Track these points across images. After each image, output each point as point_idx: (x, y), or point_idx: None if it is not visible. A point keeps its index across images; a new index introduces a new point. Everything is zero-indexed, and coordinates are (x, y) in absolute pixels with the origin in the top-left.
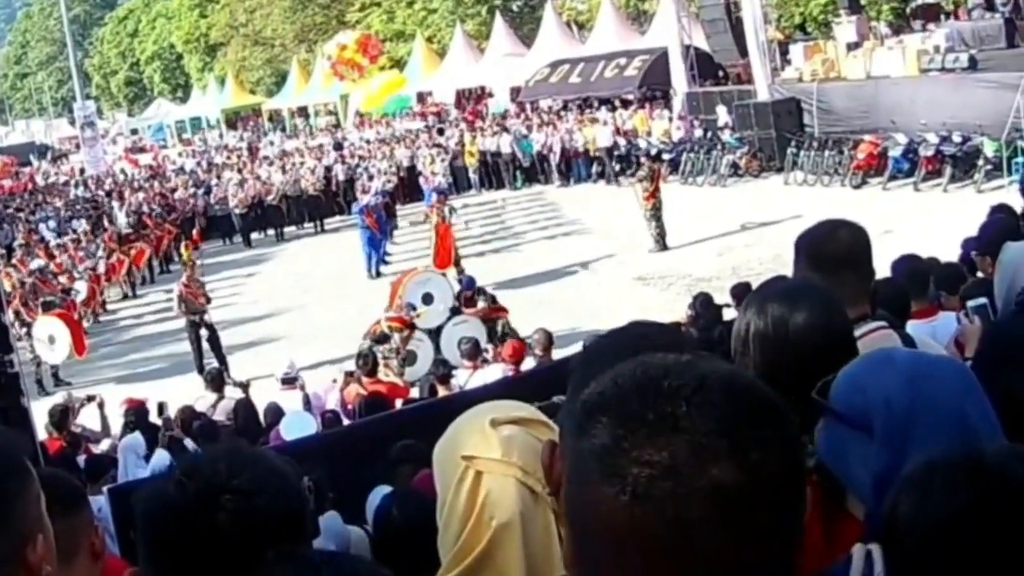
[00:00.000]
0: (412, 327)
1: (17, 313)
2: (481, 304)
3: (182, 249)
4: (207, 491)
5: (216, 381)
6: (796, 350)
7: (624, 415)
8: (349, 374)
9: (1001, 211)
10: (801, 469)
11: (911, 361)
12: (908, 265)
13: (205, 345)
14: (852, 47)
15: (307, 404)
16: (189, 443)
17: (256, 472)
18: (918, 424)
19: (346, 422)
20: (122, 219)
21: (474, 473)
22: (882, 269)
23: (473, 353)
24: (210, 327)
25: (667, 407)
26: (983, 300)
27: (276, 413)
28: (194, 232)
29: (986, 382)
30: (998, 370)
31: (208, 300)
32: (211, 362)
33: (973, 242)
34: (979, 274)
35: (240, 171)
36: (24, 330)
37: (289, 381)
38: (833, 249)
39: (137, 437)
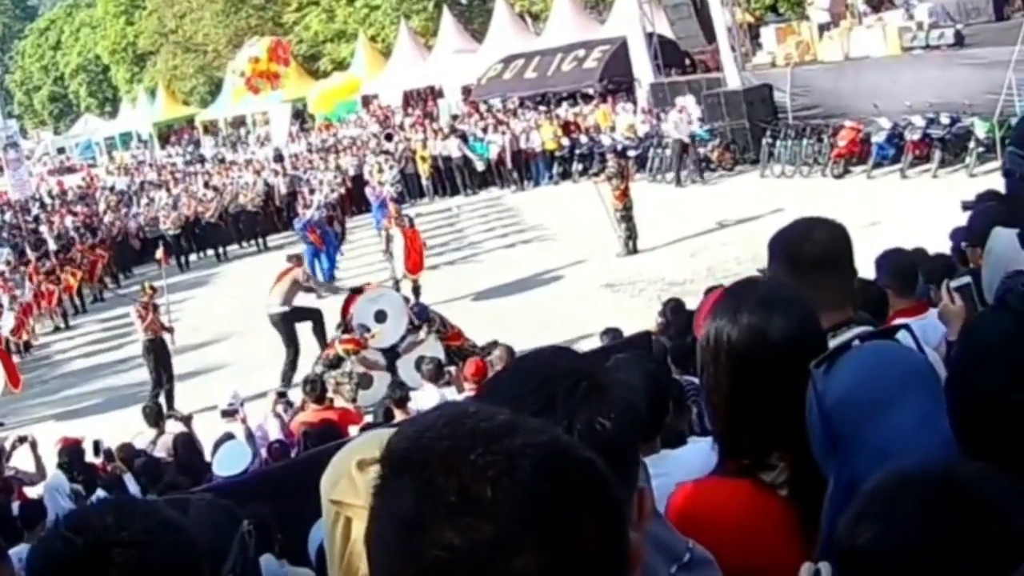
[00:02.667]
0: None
1: None
2: (421, 335)
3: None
4: (96, 545)
5: (154, 416)
6: (769, 364)
7: (427, 485)
8: (285, 400)
9: (989, 198)
10: (619, 536)
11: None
12: (894, 260)
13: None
14: (828, 27)
15: (250, 437)
16: (129, 480)
17: (148, 524)
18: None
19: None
20: (52, 245)
21: (344, 519)
22: (870, 263)
23: (435, 375)
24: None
25: (472, 488)
26: (967, 279)
27: None
28: (159, 252)
29: (962, 386)
30: (976, 373)
31: (168, 329)
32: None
33: (963, 232)
34: (971, 266)
35: (170, 190)
36: None
37: (229, 414)
38: (809, 250)
39: (60, 476)
